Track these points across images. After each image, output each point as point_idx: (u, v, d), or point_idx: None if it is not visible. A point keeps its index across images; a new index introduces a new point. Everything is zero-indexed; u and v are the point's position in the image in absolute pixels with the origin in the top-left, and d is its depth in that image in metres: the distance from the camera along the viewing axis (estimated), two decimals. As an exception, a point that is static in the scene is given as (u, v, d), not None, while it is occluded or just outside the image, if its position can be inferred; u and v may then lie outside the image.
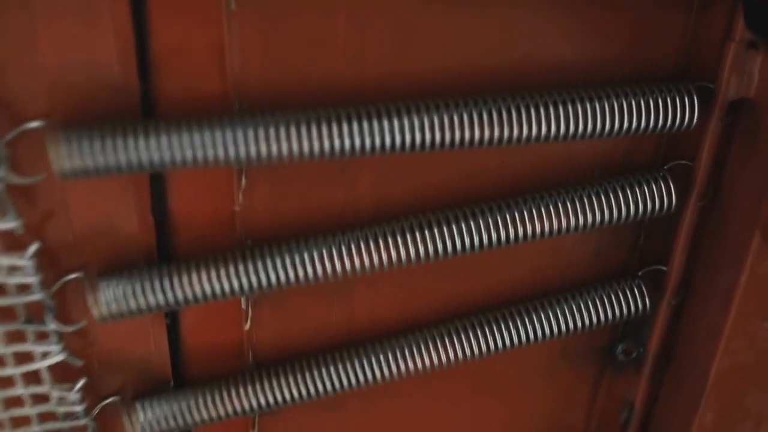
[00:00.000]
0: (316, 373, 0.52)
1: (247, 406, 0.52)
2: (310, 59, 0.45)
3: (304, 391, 0.52)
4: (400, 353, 0.54)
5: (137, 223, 0.46)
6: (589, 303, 0.57)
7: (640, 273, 0.59)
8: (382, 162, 0.50)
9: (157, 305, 0.46)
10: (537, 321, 0.56)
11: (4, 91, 0.40)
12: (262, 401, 0.52)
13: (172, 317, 0.51)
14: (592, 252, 0.58)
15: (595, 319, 0.57)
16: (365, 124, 0.44)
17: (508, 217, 0.51)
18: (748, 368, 0.58)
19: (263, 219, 0.49)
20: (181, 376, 0.53)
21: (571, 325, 0.56)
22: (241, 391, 0.52)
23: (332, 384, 0.53)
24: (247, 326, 0.52)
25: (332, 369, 0.53)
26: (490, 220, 0.50)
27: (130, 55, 0.41)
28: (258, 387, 0.52)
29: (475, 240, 0.50)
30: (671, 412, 0.64)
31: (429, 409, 0.63)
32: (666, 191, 0.53)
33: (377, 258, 0.49)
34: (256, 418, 0.57)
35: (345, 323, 0.55)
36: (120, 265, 0.47)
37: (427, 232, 0.49)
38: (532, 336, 0.56)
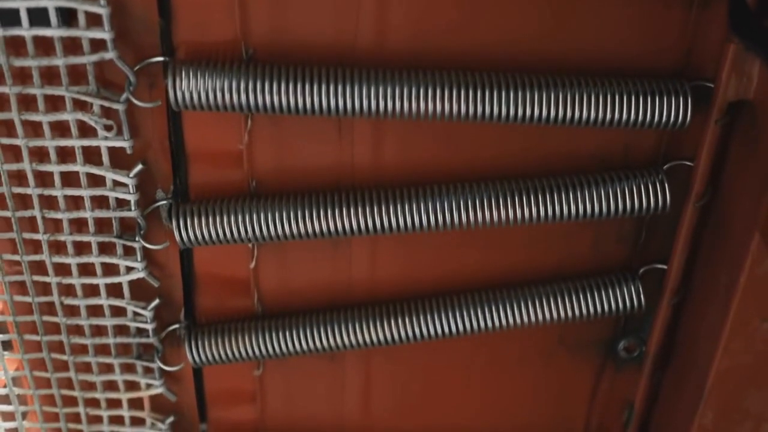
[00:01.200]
0: (316, 330, 0.57)
1: (251, 353, 0.58)
2: (313, 13, 0.49)
3: (306, 346, 0.58)
4: (396, 319, 0.57)
5: (156, 156, 0.52)
6: (586, 293, 0.58)
7: (640, 271, 0.59)
8: (382, 129, 0.54)
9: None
10: (531, 303, 0.57)
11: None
12: (269, 350, 0.58)
13: (186, 251, 0.57)
14: (591, 245, 0.59)
15: (588, 310, 0.58)
16: (361, 86, 0.48)
17: (501, 196, 0.53)
18: (748, 368, 0.58)
19: (265, 160, 0.54)
20: (193, 308, 0.59)
21: (562, 312, 0.58)
22: (246, 338, 0.58)
23: (330, 343, 0.57)
24: (253, 264, 0.57)
25: (331, 328, 0.57)
26: (485, 196, 0.53)
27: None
28: (263, 337, 0.58)
29: (472, 214, 0.53)
30: (671, 413, 0.64)
31: (425, 377, 0.66)
32: (660, 189, 0.54)
33: (377, 222, 0.53)
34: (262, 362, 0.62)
35: (344, 278, 0.59)
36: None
37: (429, 203, 0.53)
38: (524, 318, 0.58)
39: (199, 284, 0.59)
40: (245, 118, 0.52)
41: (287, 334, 0.57)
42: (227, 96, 0.48)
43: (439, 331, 0.58)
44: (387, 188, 0.54)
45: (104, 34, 0.46)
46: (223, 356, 0.58)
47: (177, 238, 0.53)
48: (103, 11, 0.45)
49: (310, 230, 0.53)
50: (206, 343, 0.58)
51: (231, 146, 0.54)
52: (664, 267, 0.59)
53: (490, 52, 0.52)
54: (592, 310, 0.58)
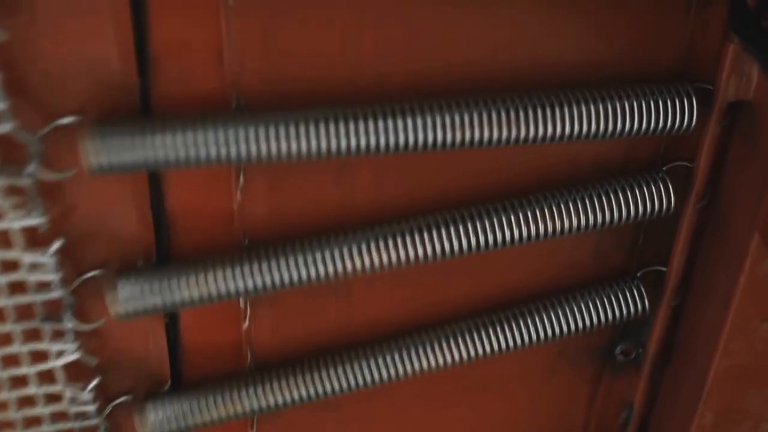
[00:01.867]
0: (314, 376, 0.53)
1: (247, 408, 0.52)
2: (309, 56, 0.46)
3: (303, 394, 0.53)
4: (398, 356, 0.54)
5: (136, 222, 0.47)
6: (589, 304, 0.57)
7: (639, 274, 0.59)
8: (380, 162, 0.50)
9: (170, 304, 0.47)
10: (535, 323, 0.56)
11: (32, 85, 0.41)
12: (262, 404, 0.53)
13: (171, 316, 0.51)
14: (591, 253, 0.58)
15: (594, 321, 0.57)
16: (363, 124, 0.45)
17: (505, 219, 0.51)
18: (747, 369, 0.58)
19: (261, 217, 0.49)
20: (179, 376, 0.53)
21: (570, 327, 0.56)
22: (242, 392, 0.52)
23: (331, 386, 0.53)
24: (246, 325, 0.52)
25: (330, 371, 0.53)
26: (487, 223, 0.51)
27: (129, 51, 0.41)
28: (257, 390, 0.52)
29: (473, 242, 0.50)
30: (670, 413, 0.64)
31: (427, 410, 0.63)
32: (665, 192, 0.53)
33: (375, 259, 0.49)
34: (255, 418, 0.57)
35: (344, 323, 0.55)
36: (120, 263, 0.47)
37: (425, 234, 0.50)
38: (530, 338, 0.56)
39: (187, 350, 0.53)
40: (237, 173, 0.48)
41: (281, 382, 0.53)
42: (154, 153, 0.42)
43: (444, 361, 0.55)
44: (385, 222, 0.50)
45: None
46: (210, 418, 0.52)
47: (112, 313, 0.47)
48: None
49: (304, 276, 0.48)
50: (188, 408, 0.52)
51: (221, 204, 0.48)
52: (663, 269, 0.59)
53: (488, 68, 0.50)
54: (596, 320, 0.57)
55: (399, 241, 0.49)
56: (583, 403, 0.66)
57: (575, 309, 0.56)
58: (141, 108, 0.43)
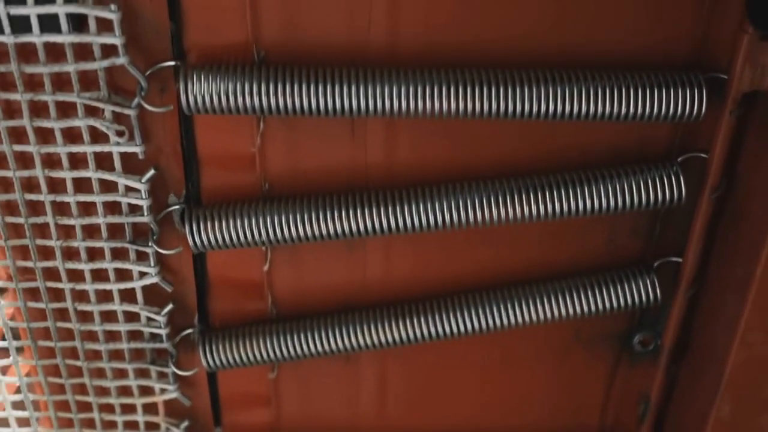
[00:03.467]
0: (333, 332, 0.57)
1: (266, 356, 0.57)
2: (326, 14, 0.49)
3: (321, 348, 0.57)
4: (415, 319, 0.57)
5: (168, 160, 0.52)
6: (598, 288, 0.58)
7: (655, 264, 0.59)
8: (395, 125, 0.53)
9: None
10: (546, 300, 0.57)
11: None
12: (283, 353, 0.58)
13: (200, 256, 0.56)
14: (605, 239, 0.59)
15: (604, 305, 0.58)
16: (377, 86, 0.48)
17: (516, 194, 0.53)
18: (765, 360, 0.58)
19: (278, 162, 0.54)
20: (206, 312, 0.59)
21: (579, 308, 0.57)
22: (261, 341, 0.57)
23: (346, 344, 0.57)
24: (266, 267, 0.57)
25: (348, 329, 0.57)
26: (500, 195, 0.53)
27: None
28: (278, 340, 0.57)
29: (486, 212, 0.53)
30: (688, 405, 0.64)
31: (440, 375, 0.65)
32: (676, 183, 0.54)
33: (388, 222, 0.52)
34: (276, 364, 0.62)
35: (359, 280, 0.59)
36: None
37: (439, 202, 0.52)
38: (541, 315, 0.57)
39: (213, 288, 0.58)
40: (257, 120, 0.52)
41: (302, 336, 0.57)
42: (239, 99, 0.48)
43: (455, 330, 0.57)
44: (400, 188, 0.53)
45: (115, 40, 0.45)
46: (238, 360, 0.58)
47: (190, 242, 0.53)
48: (113, 16, 0.44)
49: (324, 232, 0.52)
50: (220, 347, 0.58)
51: (243, 149, 0.53)
52: (679, 260, 0.59)
53: (502, 47, 0.51)
54: (608, 304, 0.57)
55: (413, 206, 0.52)
56: (600, 390, 0.67)
57: (586, 291, 0.58)
58: (174, 53, 0.48)
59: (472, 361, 0.64)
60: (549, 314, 0.57)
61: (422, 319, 0.57)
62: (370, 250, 0.58)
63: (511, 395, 0.67)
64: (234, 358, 0.58)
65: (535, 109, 0.49)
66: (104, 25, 0.45)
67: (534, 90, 0.49)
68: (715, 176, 0.55)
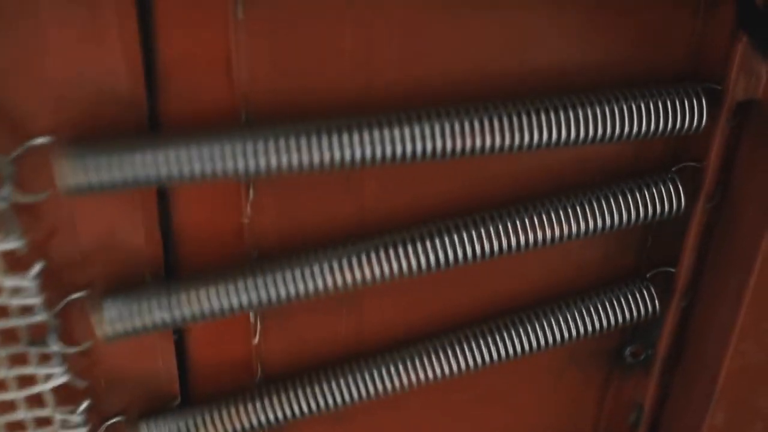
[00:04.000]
0: (324, 387, 0.52)
1: (254, 422, 0.51)
2: (317, 68, 0.45)
3: (312, 405, 0.52)
4: (409, 364, 0.54)
5: (144, 238, 0.46)
6: (599, 307, 0.56)
7: (648, 275, 0.58)
8: (389, 171, 0.49)
9: (164, 323, 0.45)
10: (546, 328, 0.55)
11: (8, 105, 0.39)
12: (270, 417, 0.52)
13: (179, 333, 0.50)
14: (601, 255, 0.58)
15: (605, 323, 0.57)
16: (371, 134, 0.44)
17: (518, 223, 0.50)
18: (759, 369, 0.58)
19: (271, 231, 0.48)
20: (189, 393, 0.52)
21: (581, 330, 0.56)
22: (248, 407, 0.51)
23: (340, 398, 0.52)
24: (256, 340, 0.52)
25: (340, 382, 0.52)
26: (500, 226, 0.50)
27: (137, 66, 0.40)
28: (264, 403, 0.51)
29: (482, 248, 0.50)
30: (681, 414, 0.63)
31: (436, 420, 0.63)
32: (675, 194, 0.53)
33: (385, 268, 0.48)
34: None
35: (354, 334, 0.54)
36: (127, 281, 0.46)
37: (434, 241, 0.49)
38: (541, 343, 0.55)
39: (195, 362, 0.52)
40: (246, 189, 0.47)
41: (289, 396, 0.52)
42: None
43: (454, 369, 0.54)
44: (396, 232, 0.49)
45: None
46: None
47: (99, 334, 0.45)
48: None
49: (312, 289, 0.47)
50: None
51: (231, 221, 0.47)
52: (672, 270, 0.58)
53: (495, 72, 0.49)
54: (606, 322, 0.56)
55: (409, 249, 0.49)
56: (593, 405, 0.66)
57: (585, 312, 0.56)
58: (150, 123, 0.42)
59: (466, 394, 0.61)
60: (549, 341, 0.56)
61: (421, 362, 0.54)
62: (367, 301, 0.54)
63: (504, 418, 0.65)
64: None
65: (536, 140, 0.47)
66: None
67: (535, 120, 0.47)
68: (710, 185, 0.54)
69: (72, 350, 0.46)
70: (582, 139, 0.48)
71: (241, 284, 0.46)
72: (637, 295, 0.57)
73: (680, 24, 0.51)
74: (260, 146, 0.42)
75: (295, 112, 0.45)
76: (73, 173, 0.39)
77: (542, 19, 0.49)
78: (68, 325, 0.46)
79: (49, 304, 0.44)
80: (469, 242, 0.49)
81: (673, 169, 0.55)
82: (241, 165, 0.41)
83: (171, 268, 0.47)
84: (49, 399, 0.48)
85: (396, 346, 0.54)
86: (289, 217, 0.49)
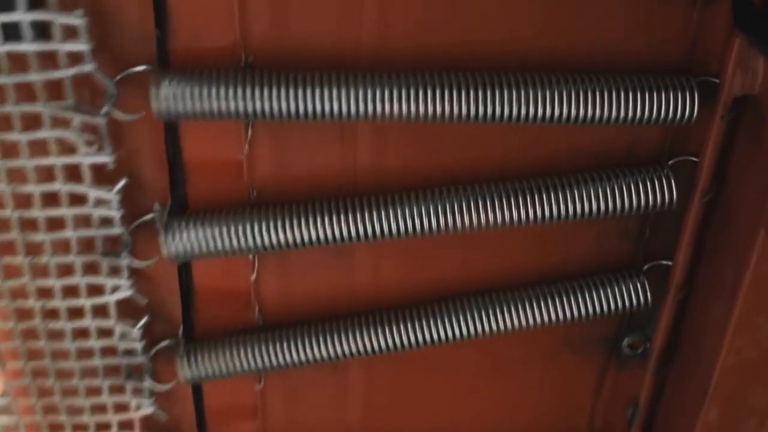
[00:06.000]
0: (320, 339, 0.55)
1: (253, 366, 0.55)
2: (316, 18, 0.47)
3: (309, 356, 0.55)
4: (403, 326, 0.56)
5: (152, 168, 0.50)
6: (588, 293, 0.57)
7: (645, 268, 0.58)
8: (384, 127, 0.52)
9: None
10: (535, 306, 0.56)
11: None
12: (272, 362, 0.55)
13: (184, 264, 0.54)
14: (594, 242, 0.58)
15: (595, 309, 0.57)
16: (366, 89, 0.46)
17: (504, 197, 0.52)
18: (753, 365, 0.58)
19: (267, 169, 0.52)
20: (191, 323, 0.56)
21: (570, 313, 0.57)
22: (246, 350, 0.55)
23: (334, 351, 0.55)
24: (254, 276, 0.54)
25: (336, 336, 0.55)
26: (488, 199, 0.51)
27: (147, 3, 0.44)
28: (264, 349, 0.55)
29: (474, 216, 0.51)
30: (676, 409, 0.63)
31: (429, 381, 0.64)
32: (667, 186, 0.53)
33: (378, 228, 0.51)
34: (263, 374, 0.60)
35: (347, 286, 0.57)
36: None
37: (429, 206, 0.51)
38: (530, 321, 0.56)
39: (198, 299, 0.56)
40: (245, 127, 0.50)
41: (289, 344, 0.55)
42: (214, 103, 0.45)
43: (444, 336, 0.56)
44: (388, 193, 0.52)
45: (81, 47, 0.43)
46: (222, 370, 0.55)
47: (164, 253, 0.50)
48: (78, 22, 0.42)
49: (312, 237, 0.50)
50: (203, 358, 0.55)
51: (231, 156, 0.51)
52: (669, 263, 0.58)
53: (491, 50, 0.50)
54: (597, 309, 0.57)
55: (404, 212, 0.51)
56: (589, 394, 0.66)
57: (576, 296, 0.57)
58: (159, 60, 0.46)
59: (460, 367, 0.63)
60: (539, 319, 0.56)
61: (411, 326, 0.56)
62: (359, 258, 0.56)
63: (499, 400, 0.66)
64: (218, 369, 0.55)
65: (524, 112, 0.48)
66: (70, 32, 0.42)
67: (523, 93, 0.48)
68: (706, 180, 0.54)
69: (143, 264, 0.51)
70: (569, 117, 0.49)
71: (240, 228, 0.50)
72: (630, 286, 0.57)
73: (678, 16, 0.51)
74: (259, 91, 0.45)
75: (295, 60, 0.48)
76: (164, 99, 0.45)
77: (541, 7, 0.49)
78: (139, 244, 0.51)
79: (126, 220, 0.49)
80: (459, 210, 0.51)
81: (670, 162, 0.55)
82: (241, 107, 0.46)
83: (178, 200, 0.52)
84: (113, 311, 0.53)
85: (390, 306, 0.57)
86: (283, 158, 0.52)
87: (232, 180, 0.52)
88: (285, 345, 0.55)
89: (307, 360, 0.55)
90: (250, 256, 0.54)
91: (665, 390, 0.64)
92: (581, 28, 0.50)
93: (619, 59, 0.51)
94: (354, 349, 0.56)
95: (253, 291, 0.56)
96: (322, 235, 0.50)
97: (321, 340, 0.55)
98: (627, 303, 0.57)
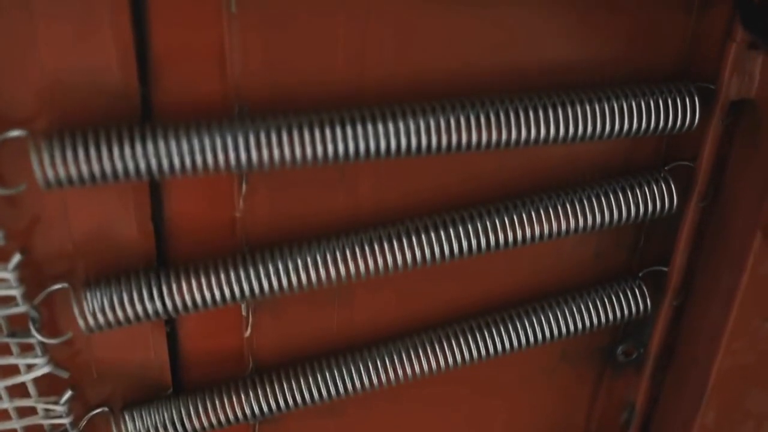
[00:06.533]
0: (317, 379, 0.52)
1: (247, 412, 0.51)
2: (310, 62, 0.45)
3: (305, 397, 0.52)
4: (400, 357, 0.54)
5: (136, 230, 0.46)
6: (590, 305, 0.56)
7: (640, 274, 0.58)
8: (382, 166, 0.50)
9: (147, 314, 0.45)
10: (537, 324, 0.55)
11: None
12: (262, 407, 0.51)
13: (171, 324, 0.50)
14: (592, 253, 0.58)
15: (596, 321, 0.57)
16: (365, 128, 0.44)
17: (507, 220, 0.50)
18: (750, 368, 0.58)
19: (264, 225, 0.48)
20: (181, 384, 0.52)
21: (572, 328, 0.56)
22: (241, 396, 0.51)
23: (333, 389, 0.52)
24: (248, 333, 0.52)
25: (333, 374, 0.52)
26: (488, 223, 0.50)
27: (130, 58, 0.40)
28: (256, 393, 0.51)
29: (474, 243, 0.50)
30: (672, 413, 0.63)
31: (428, 414, 0.62)
32: (667, 192, 0.53)
33: (377, 262, 0.48)
34: (256, 426, 0.56)
35: (346, 328, 0.54)
36: (117, 273, 0.46)
37: (427, 236, 0.49)
38: (532, 339, 0.55)
39: (187, 357, 0.52)
40: (239, 182, 0.46)
41: (282, 387, 0.52)
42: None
43: (446, 363, 0.54)
44: (389, 226, 0.49)
45: None
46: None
47: (81, 325, 0.44)
48: None
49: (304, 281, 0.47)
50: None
51: (223, 215, 0.47)
52: (664, 269, 0.58)
53: (489, 70, 0.49)
54: (596, 320, 0.56)
55: (399, 243, 0.49)
56: (585, 403, 0.66)
57: (577, 309, 0.56)
58: (142, 115, 0.42)
59: (458, 390, 0.61)
60: (540, 337, 0.56)
61: (413, 356, 0.53)
62: (359, 296, 0.54)
63: (496, 419, 0.65)
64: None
65: (532, 135, 0.47)
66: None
67: (529, 117, 0.46)
68: (703, 185, 0.55)
69: (53, 341, 0.46)
70: (573, 137, 0.48)
71: (232, 275, 0.46)
72: (629, 294, 0.57)
73: (674, 23, 0.51)
74: (253, 139, 0.41)
75: (287, 105, 0.45)
76: (47, 166, 0.38)
77: (535, 18, 0.49)
78: (53, 316, 0.46)
79: (30, 295, 0.44)
80: (460, 238, 0.49)
81: (666, 168, 0.55)
82: (233, 158, 0.41)
83: (164, 261, 0.47)
84: (32, 389, 0.48)
85: (387, 340, 0.54)
86: (282, 211, 0.48)
87: (223, 239, 0.47)
88: (278, 388, 0.51)
89: (305, 402, 0.52)
90: (243, 311, 0.51)
91: (662, 394, 0.64)
92: (577, 37, 0.50)
93: (616, 67, 0.51)
94: (352, 385, 0.53)
95: (246, 344, 0.52)
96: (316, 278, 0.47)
97: (316, 378, 0.52)
98: (627, 311, 0.57)
